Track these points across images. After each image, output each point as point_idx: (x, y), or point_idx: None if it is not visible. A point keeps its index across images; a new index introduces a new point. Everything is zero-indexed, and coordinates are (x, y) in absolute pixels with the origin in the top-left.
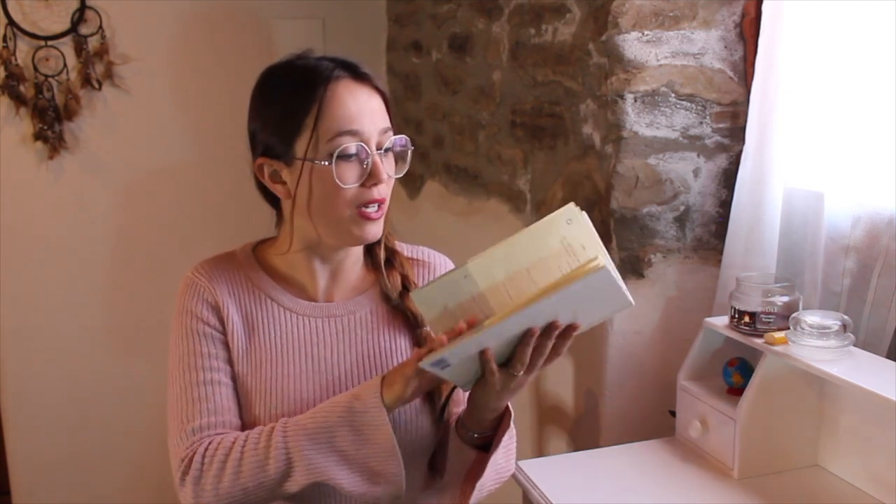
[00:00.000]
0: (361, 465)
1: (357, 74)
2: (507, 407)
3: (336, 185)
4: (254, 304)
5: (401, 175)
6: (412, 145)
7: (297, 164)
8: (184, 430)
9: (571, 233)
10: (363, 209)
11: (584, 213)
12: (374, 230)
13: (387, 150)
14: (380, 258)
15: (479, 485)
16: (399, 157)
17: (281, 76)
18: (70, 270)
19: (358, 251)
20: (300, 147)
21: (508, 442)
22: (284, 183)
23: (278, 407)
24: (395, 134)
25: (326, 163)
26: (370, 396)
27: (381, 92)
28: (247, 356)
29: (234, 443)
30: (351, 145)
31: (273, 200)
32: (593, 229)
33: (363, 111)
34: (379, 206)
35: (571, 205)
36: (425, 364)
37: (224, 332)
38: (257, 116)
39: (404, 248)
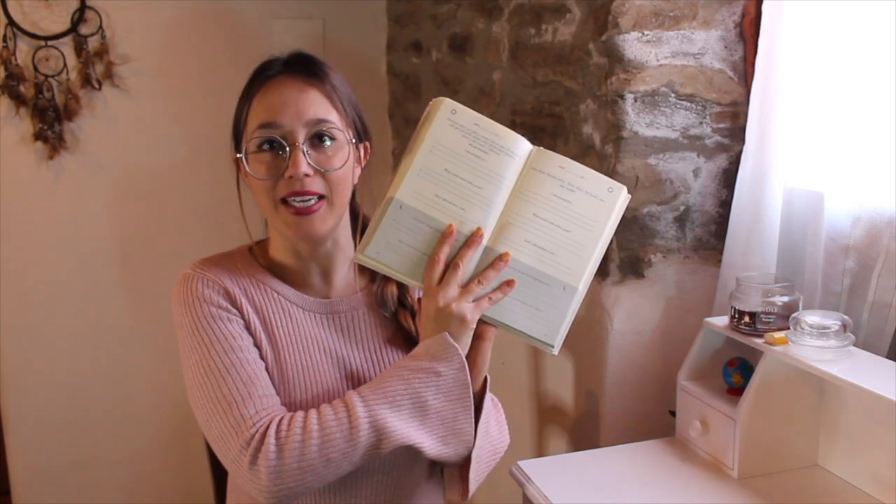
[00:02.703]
0: (440, 426)
1: (297, 69)
2: (486, 377)
3: (253, 177)
4: (262, 296)
5: (339, 168)
6: (359, 138)
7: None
8: (237, 412)
9: (461, 120)
10: (287, 201)
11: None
12: (307, 224)
13: (319, 141)
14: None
15: (475, 455)
16: (338, 149)
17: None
18: (70, 270)
19: (345, 249)
20: (242, 143)
21: (497, 414)
22: None
23: (302, 399)
24: (362, 133)
25: (244, 156)
26: (453, 357)
27: (326, 85)
28: (269, 347)
29: (306, 417)
30: (263, 138)
31: None
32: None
33: (287, 103)
34: (318, 199)
35: (442, 98)
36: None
37: (242, 317)
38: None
39: None
